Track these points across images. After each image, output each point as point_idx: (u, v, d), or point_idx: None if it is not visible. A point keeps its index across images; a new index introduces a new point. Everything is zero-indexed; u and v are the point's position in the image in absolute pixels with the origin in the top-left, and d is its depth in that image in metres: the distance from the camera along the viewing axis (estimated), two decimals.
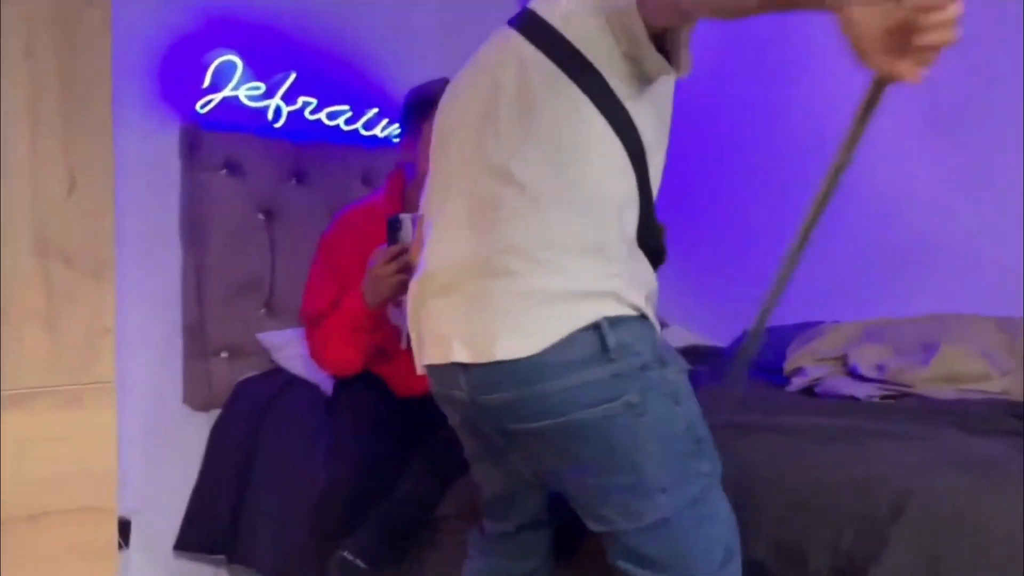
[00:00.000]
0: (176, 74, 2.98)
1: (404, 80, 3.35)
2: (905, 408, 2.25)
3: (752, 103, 3.48)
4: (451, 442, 1.97)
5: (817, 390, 2.48)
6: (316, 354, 2.32)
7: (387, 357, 2.32)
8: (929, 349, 2.47)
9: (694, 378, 2.83)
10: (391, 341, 2.28)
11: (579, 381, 1.31)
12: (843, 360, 2.56)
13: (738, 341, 3.15)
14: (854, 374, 2.49)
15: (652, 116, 1.40)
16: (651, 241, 1.44)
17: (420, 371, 1.51)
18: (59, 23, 2.01)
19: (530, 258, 1.32)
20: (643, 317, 1.37)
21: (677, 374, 1.41)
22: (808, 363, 2.61)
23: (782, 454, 1.86)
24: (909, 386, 2.39)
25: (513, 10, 1.55)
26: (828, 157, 3.55)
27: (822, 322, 2.84)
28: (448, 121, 1.53)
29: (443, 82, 2.42)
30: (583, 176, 1.34)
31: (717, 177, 3.57)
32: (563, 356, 1.30)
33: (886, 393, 2.39)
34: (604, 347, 1.30)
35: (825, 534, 1.70)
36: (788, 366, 2.66)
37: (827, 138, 3.33)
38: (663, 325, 3.29)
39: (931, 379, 2.38)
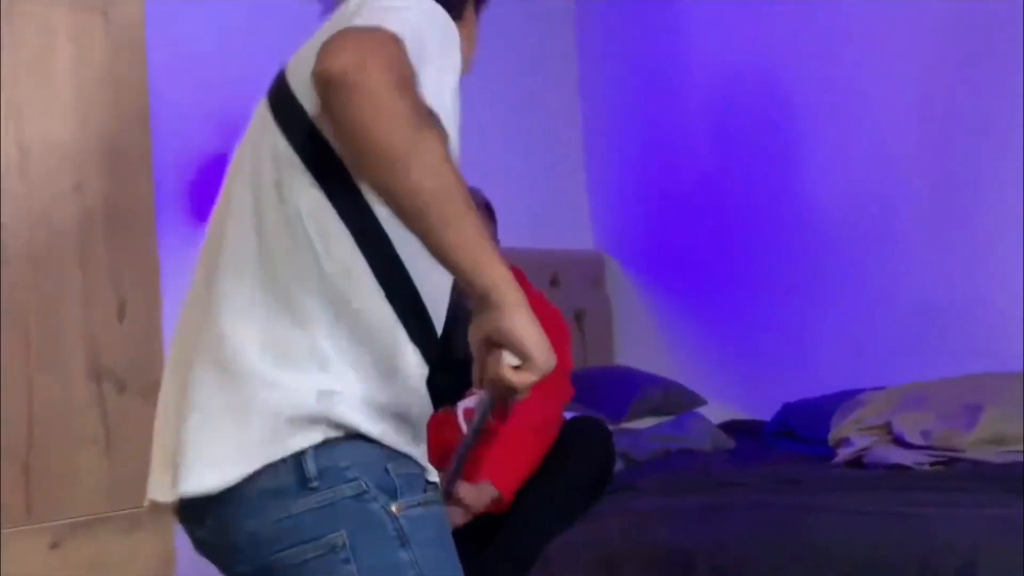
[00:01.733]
0: (216, 191, 3.05)
1: None
2: (957, 474, 2.25)
3: (782, 187, 3.53)
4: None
5: (865, 460, 2.49)
6: None
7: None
8: (972, 411, 2.48)
9: (736, 454, 2.86)
10: (450, 426, 2.29)
11: (272, 517, 1.05)
12: (888, 428, 2.57)
13: (778, 417, 3.16)
14: (900, 441, 2.50)
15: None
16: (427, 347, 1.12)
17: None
18: (104, 160, 2.10)
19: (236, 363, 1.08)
20: (364, 438, 1.07)
21: (414, 508, 1.08)
22: (853, 433, 2.62)
23: (843, 532, 1.87)
24: (957, 450, 2.39)
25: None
26: (859, 237, 3.52)
27: (861, 390, 2.85)
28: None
29: None
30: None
31: (751, 255, 3.61)
32: (255, 488, 1.05)
33: (935, 459, 2.39)
34: (303, 476, 1.05)
35: None
36: (833, 437, 2.67)
37: (857, 216, 3.37)
38: (702, 402, 3.32)
39: (978, 442, 2.38)
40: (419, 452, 1.14)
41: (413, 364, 1.11)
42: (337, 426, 1.06)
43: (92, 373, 2.09)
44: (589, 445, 2.34)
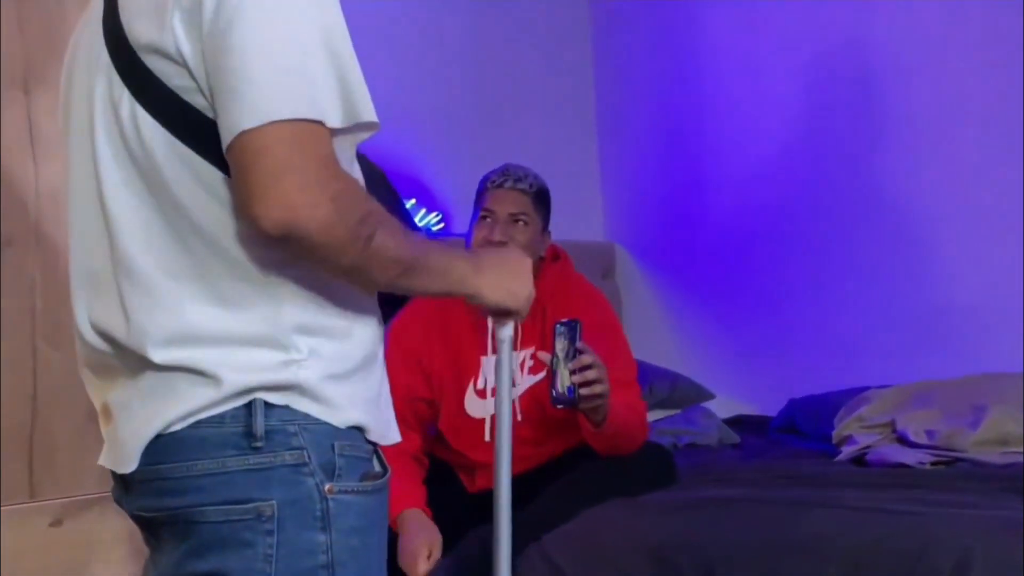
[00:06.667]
0: None
1: (442, 172, 3.42)
2: (958, 474, 2.25)
3: (795, 182, 3.51)
4: None
5: (868, 458, 2.48)
6: None
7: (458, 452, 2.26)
8: (977, 411, 2.46)
9: (741, 450, 2.86)
10: (473, 433, 2.22)
11: (207, 469, 1.04)
12: (892, 426, 2.56)
13: (783, 413, 3.15)
14: (904, 440, 2.49)
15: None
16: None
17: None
18: None
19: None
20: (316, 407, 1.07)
21: (347, 493, 1.06)
22: (857, 431, 2.61)
23: (840, 527, 1.86)
24: (960, 451, 2.38)
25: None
26: (872, 235, 3.46)
27: (868, 388, 2.84)
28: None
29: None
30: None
31: (762, 249, 3.59)
32: (196, 435, 1.04)
33: (937, 459, 2.38)
34: (249, 431, 1.03)
35: None
36: (837, 435, 2.66)
37: (869, 215, 3.35)
38: (709, 396, 3.32)
39: (981, 443, 2.37)
40: (374, 417, 1.11)
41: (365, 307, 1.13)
42: (294, 389, 1.05)
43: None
44: (657, 476, 2.25)
